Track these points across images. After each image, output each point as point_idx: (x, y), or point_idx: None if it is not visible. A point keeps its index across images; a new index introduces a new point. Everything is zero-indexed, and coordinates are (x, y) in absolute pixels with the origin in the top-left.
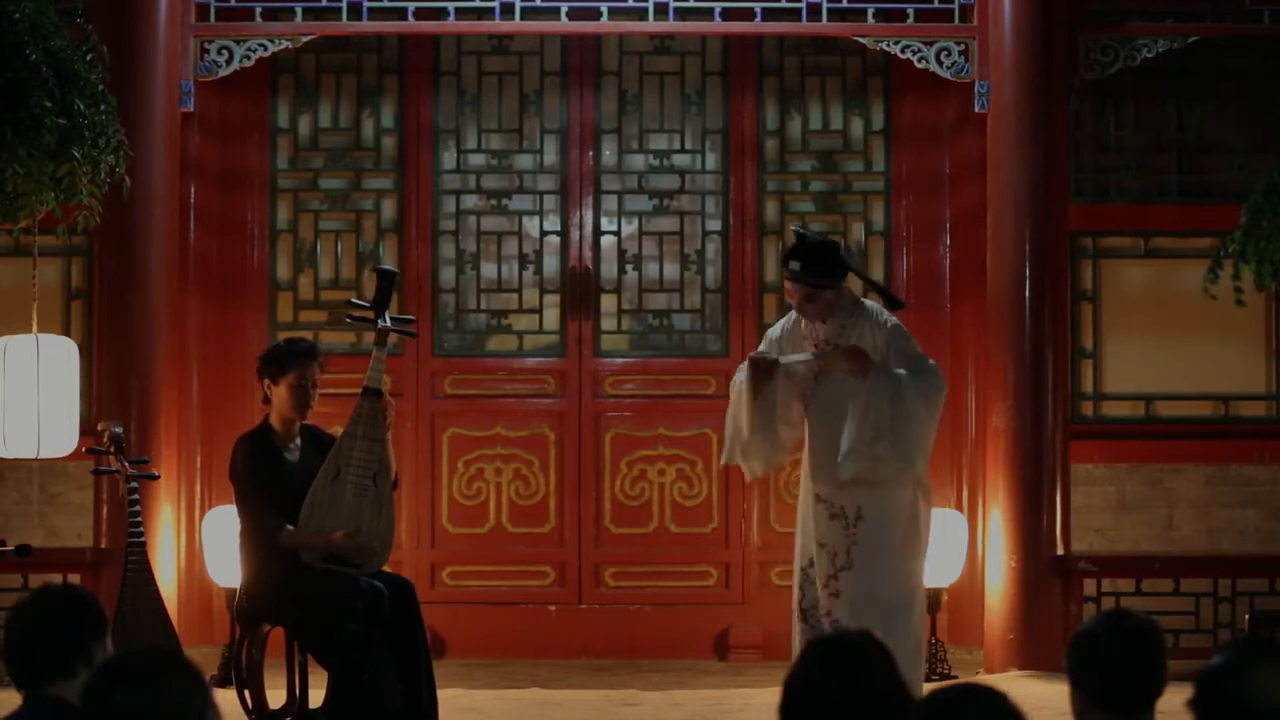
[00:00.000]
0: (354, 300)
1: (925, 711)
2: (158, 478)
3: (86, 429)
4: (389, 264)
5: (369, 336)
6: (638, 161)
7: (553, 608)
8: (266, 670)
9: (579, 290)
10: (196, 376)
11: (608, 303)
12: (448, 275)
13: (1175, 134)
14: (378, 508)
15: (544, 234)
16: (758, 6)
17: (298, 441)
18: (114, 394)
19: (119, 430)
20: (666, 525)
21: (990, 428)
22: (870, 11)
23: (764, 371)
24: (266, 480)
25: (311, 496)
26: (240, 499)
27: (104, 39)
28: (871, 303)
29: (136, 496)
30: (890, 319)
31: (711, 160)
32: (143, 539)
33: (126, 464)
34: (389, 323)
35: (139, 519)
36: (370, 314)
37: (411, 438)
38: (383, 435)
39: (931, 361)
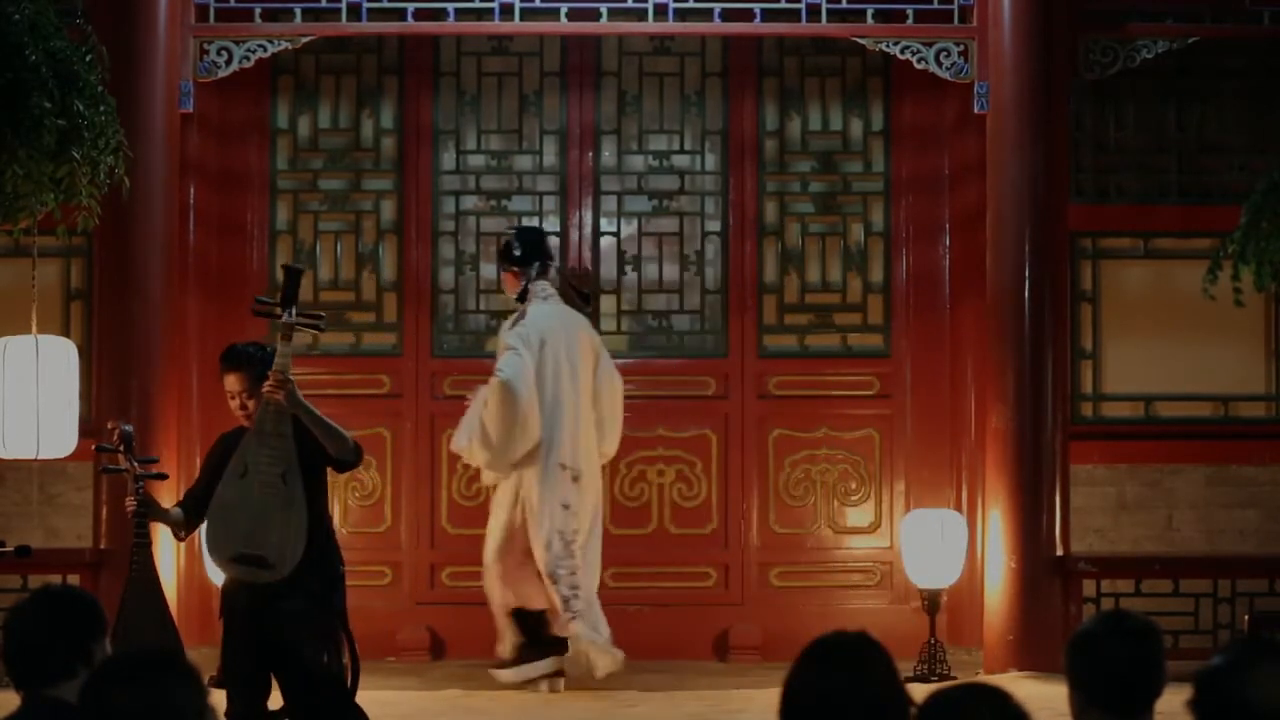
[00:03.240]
0: (260, 298)
1: (930, 712)
2: (166, 478)
3: (86, 429)
4: (299, 263)
5: (368, 337)
6: (637, 162)
7: None
8: None
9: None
10: (196, 377)
11: (607, 303)
12: (447, 276)
13: (1175, 134)
14: (286, 507)
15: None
16: (757, 7)
17: None
18: (114, 394)
19: (128, 429)
20: (666, 526)
21: (990, 428)
22: (870, 12)
23: None
24: (205, 472)
25: (218, 496)
26: None
27: (103, 40)
28: (542, 305)
29: (144, 496)
30: (511, 323)
31: (711, 161)
32: (148, 539)
33: (135, 463)
34: (293, 318)
35: (145, 519)
36: (276, 309)
37: (411, 438)
38: (289, 430)
39: (496, 367)
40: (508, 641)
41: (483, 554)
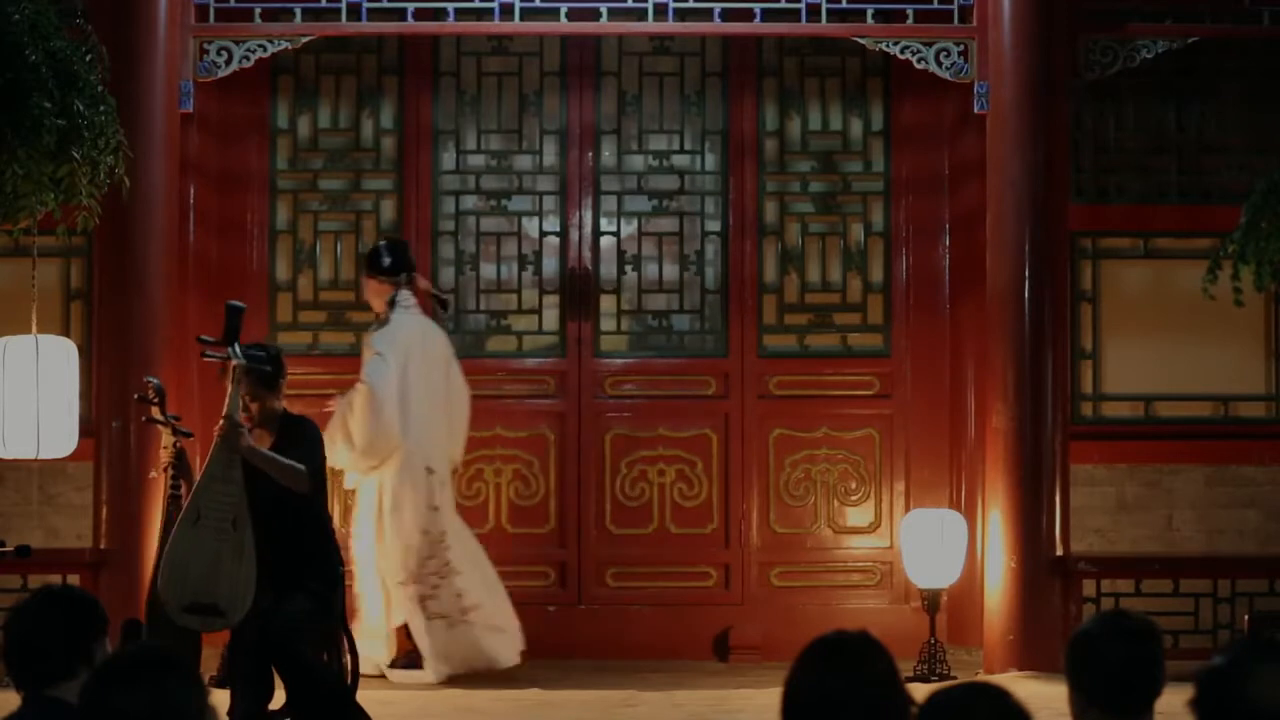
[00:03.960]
0: (203, 337)
1: (930, 711)
2: (191, 435)
3: (86, 429)
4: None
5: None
6: (637, 162)
7: (552, 608)
8: None
9: (578, 291)
10: (196, 377)
11: (607, 303)
12: (447, 276)
13: (1175, 134)
14: (238, 554)
15: (543, 235)
16: (757, 7)
17: (274, 430)
18: (114, 394)
19: (158, 382)
20: (666, 526)
21: (990, 428)
22: (870, 12)
23: None
24: None
25: (172, 542)
26: None
27: (103, 40)
28: (405, 314)
29: (179, 450)
30: (376, 328)
31: (711, 161)
32: (181, 492)
33: (169, 418)
34: (241, 358)
35: (178, 475)
36: (223, 349)
37: None
38: (239, 476)
39: (363, 374)
40: (396, 648)
41: (380, 570)
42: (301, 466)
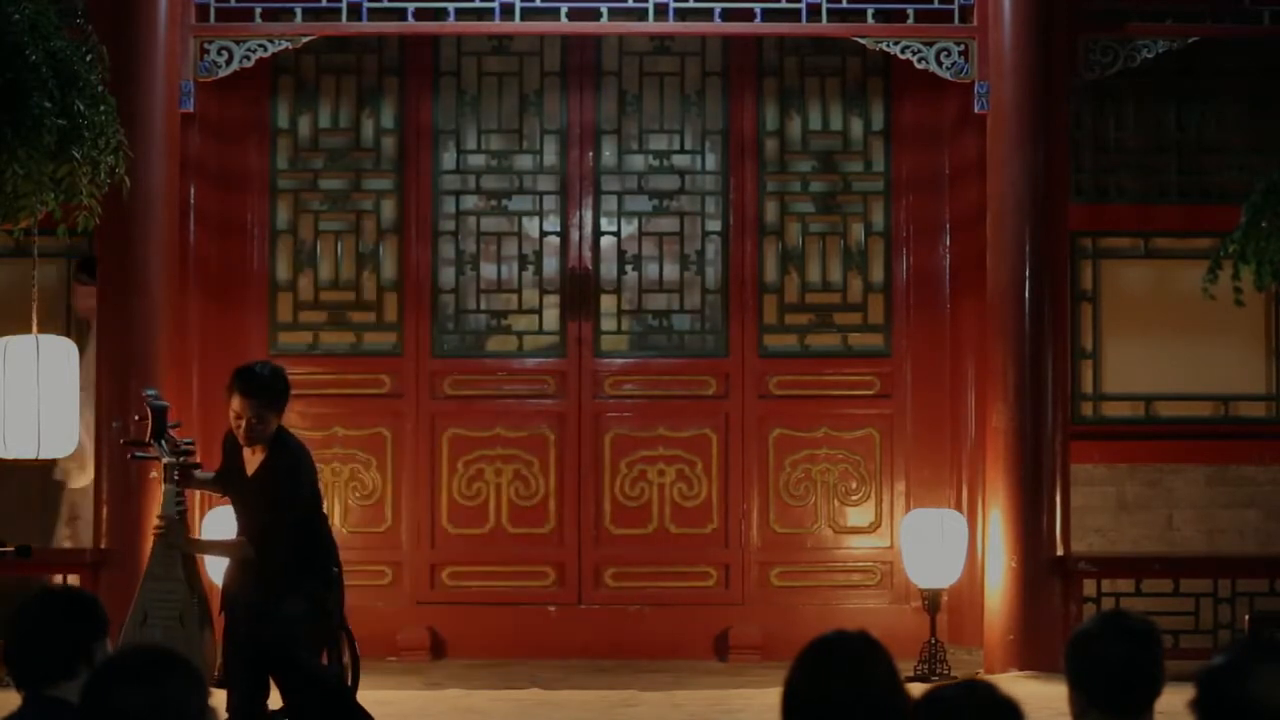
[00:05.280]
0: (131, 439)
1: (924, 710)
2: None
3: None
4: (159, 399)
5: (369, 337)
6: (637, 162)
7: (553, 608)
8: None
9: (579, 291)
10: (197, 376)
11: (607, 303)
12: (447, 276)
13: (1175, 134)
14: (188, 649)
15: (544, 234)
16: (758, 7)
17: (266, 448)
18: (114, 394)
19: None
20: (666, 526)
21: (990, 428)
22: (870, 12)
23: None
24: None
25: (123, 645)
26: None
27: (104, 39)
28: None
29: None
30: None
31: (711, 161)
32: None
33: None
34: (169, 455)
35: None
36: (152, 450)
37: (412, 439)
38: (180, 573)
39: None
40: None
41: None
42: (243, 539)
